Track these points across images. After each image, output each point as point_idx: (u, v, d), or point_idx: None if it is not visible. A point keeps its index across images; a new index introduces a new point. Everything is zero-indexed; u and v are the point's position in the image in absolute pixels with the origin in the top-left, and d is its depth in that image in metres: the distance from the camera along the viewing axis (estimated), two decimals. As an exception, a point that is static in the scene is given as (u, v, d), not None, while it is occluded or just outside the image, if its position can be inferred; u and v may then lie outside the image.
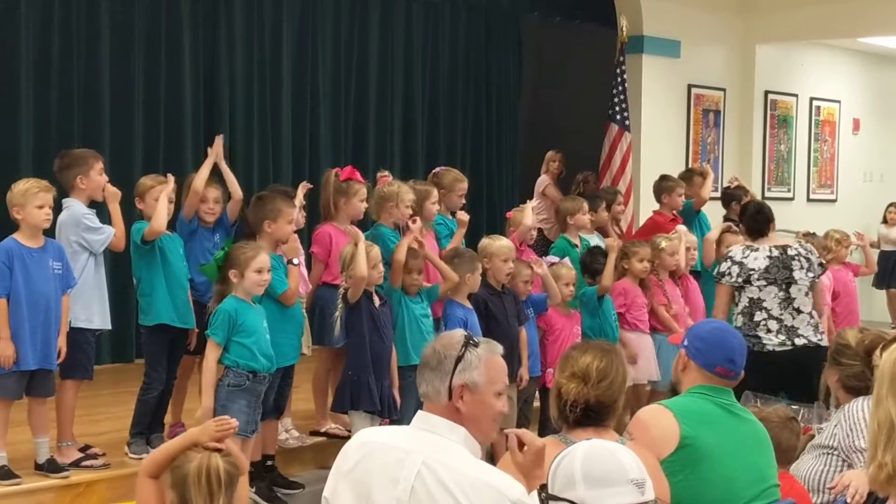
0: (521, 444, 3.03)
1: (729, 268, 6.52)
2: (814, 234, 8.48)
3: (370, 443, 3.02)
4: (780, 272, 6.44)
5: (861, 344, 4.37)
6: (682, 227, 7.96)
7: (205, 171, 6.09)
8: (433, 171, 7.23)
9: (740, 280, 6.47)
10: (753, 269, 6.45)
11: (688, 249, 7.66)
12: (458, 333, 3.07)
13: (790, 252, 6.50)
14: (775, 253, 6.48)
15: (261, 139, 9.13)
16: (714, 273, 6.81)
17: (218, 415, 5.08)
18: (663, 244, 7.45)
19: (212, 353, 5.24)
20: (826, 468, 4.18)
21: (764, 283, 6.43)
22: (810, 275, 6.49)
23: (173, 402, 6.13)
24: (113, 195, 5.67)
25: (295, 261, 5.75)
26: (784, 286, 6.43)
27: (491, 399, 3.00)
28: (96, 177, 5.66)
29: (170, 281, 5.80)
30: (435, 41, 10.52)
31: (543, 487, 2.57)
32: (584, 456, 2.52)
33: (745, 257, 6.50)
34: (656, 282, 7.40)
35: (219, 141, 6.23)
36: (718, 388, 3.76)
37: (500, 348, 3.08)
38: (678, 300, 7.44)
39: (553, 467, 2.56)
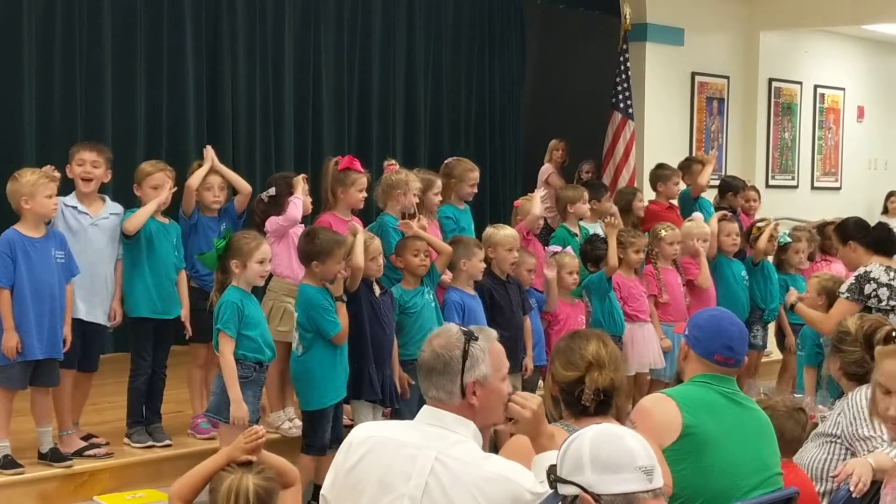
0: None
1: (875, 290, 6.14)
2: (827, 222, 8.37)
3: (374, 437, 2.98)
4: None
5: (861, 330, 4.38)
6: (698, 215, 7.94)
7: (199, 174, 6.11)
8: (445, 161, 7.19)
9: (892, 303, 6.14)
10: None
11: (699, 240, 7.59)
12: (453, 330, 3.04)
13: None
14: None
15: (263, 128, 9.11)
16: (842, 290, 6.28)
17: (227, 407, 5.16)
18: (663, 233, 7.43)
19: (227, 348, 5.16)
20: (829, 456, 4.18)
21: None
22: None
23: (193, 394, 6.15)
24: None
25: (344, 297, 5.62)
26: None
27: (499, 385, 3.03)
28: (76, 167, 5.67)
29: (154, 272, 5.80)
30: (438, 28, 10.48)
31: (553, 469, 2.56)
32: (592, 440, 2.51)
33: (893, 279, 6.16)
34: (651, 272, 7.38)
35: (208, 152, 6.24)
36: (720, 376, 3.75)
37: (494, 333, 3.08)
38: (676, 289, 7.41)
39: (562, 450, 2.55)
